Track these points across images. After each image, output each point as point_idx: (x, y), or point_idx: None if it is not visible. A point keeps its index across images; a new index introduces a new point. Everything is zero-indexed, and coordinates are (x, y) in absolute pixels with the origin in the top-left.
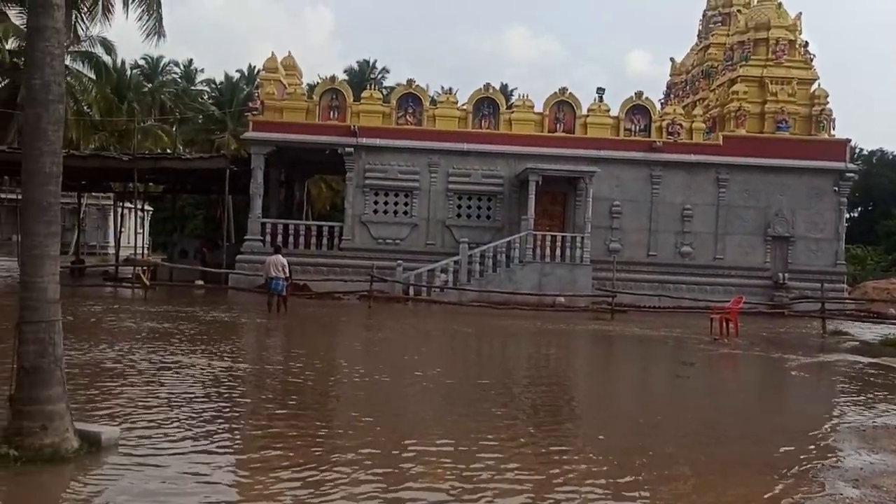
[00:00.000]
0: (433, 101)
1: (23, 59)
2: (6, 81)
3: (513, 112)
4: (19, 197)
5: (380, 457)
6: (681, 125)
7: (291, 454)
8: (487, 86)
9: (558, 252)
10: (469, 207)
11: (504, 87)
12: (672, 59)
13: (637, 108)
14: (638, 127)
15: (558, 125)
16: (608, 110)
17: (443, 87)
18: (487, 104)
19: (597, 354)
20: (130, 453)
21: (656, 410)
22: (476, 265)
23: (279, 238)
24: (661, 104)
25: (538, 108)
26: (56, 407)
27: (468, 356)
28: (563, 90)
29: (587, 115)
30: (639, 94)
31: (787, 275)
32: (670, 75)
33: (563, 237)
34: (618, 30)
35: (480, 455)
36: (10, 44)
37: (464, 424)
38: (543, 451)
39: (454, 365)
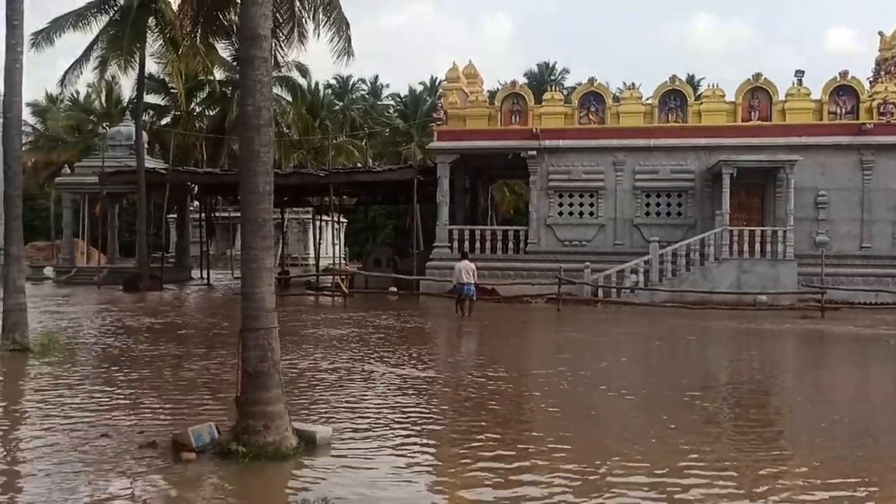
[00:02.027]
0: (616, 98)
1: (230, 88)
2: (217, 110)
3: (702, 103)
4: (232, 215)
5: (577, 470)
6: (894, 104)
7: (487, 460)
8: (673, 78)
9: (758, 248)
10: (658, 205)
11: (691, 78)
12: (881, 34)
13: (842, 89)
14: (844, 109)
15: (752, 113)
16: (808, 94)
17: (625, 83)
18: (674, 97)
19: (808, 356)
20: (342, 452)
21: (882, 419)
22: (668, 264)
23: (466, 244)
24: (870, 83)
25: (729, 96)
26: (276, 407)
27: (665, 360)
28: (758, 76)
29: (785, 101)
30: (843, 74)
31: None
32: (879, 51)
33: (762, 232)
34: (814, 7)
35: (682, 474)
36: (219, 74)
37: (666, 438)
38: (752, 468)
39: (652, 370)
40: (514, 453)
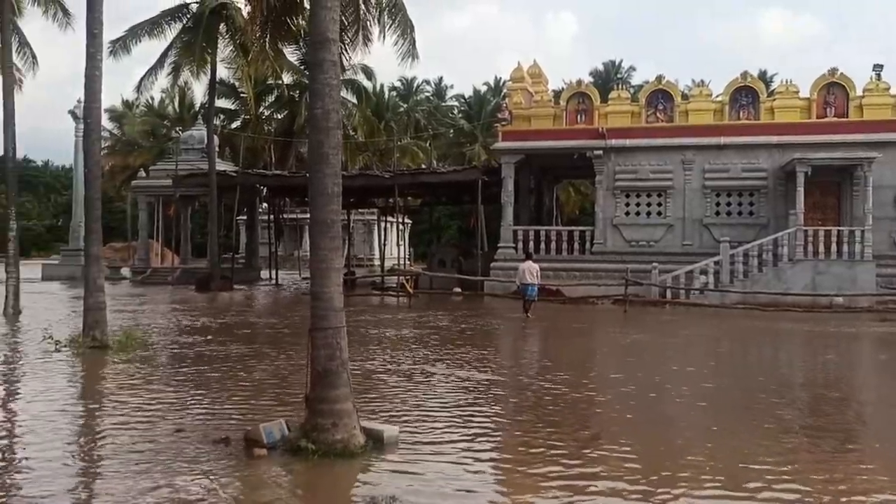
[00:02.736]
0: (685, 96)
1: (298, 91)
2: (285, 113)
3: (774, 100)
4: (299, 217)
5: (648, 483)
6: None
7: (552, 466)
8: (745, 74)
9: (834, 248)
10: (728, 204)
11: (763, 74)
12: None
13: None
14: None
15: (828, 110)
16: (888, 88)
17: (694, 81)
18: (745, 94)
19: (889, 360)
20: (409, 452)
21: None
22: (739, 265)
23: (531, 244)
24: None
25: (804, 92)
26: (344, 406)
27: (738, 364)
28: (833, 71)
29: (862, 96)
30: None
31: None
32: None
33: (838, 231)
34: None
35: (759, 489)
36: (287, 79)
37: (742, 449)
38: (834, 486)
39: (724, 375)
40: (580, 461)
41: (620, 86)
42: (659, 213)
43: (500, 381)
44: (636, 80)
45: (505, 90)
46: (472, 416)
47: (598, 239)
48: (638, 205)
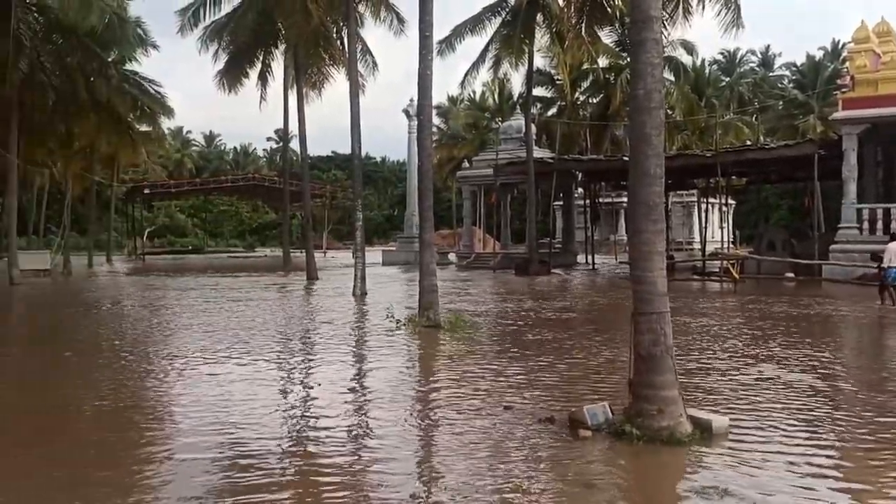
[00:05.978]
0: None
1: (612, 74)
2: (600, 97)
3: None
4: (614, 201)
5: None
6: None
7: None
8: None
9: None
10: None
11: None
12: None
13: None
14: None
15: None
16: None
17: None
18: None
19: None
20: (739, 445)
21: None
22: None
23: (878, 224)
24: None
25: None
26: (669, 393)
27: None
28: None
29: None
30: None
31: None
32: None
33: None
34: None
35: None
36: (602, 62)
37: None
38: None
39: None
40: None
41: None
42: None
43: (846, 382)
44: None
45: (845, 53)
46: (809, 418)
47: None
48: None
